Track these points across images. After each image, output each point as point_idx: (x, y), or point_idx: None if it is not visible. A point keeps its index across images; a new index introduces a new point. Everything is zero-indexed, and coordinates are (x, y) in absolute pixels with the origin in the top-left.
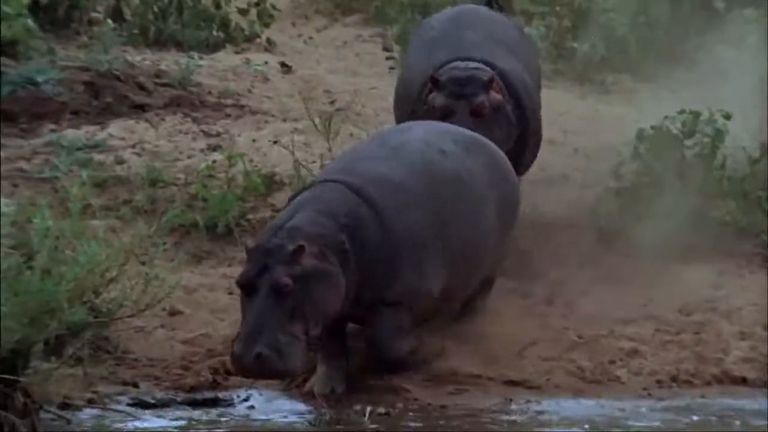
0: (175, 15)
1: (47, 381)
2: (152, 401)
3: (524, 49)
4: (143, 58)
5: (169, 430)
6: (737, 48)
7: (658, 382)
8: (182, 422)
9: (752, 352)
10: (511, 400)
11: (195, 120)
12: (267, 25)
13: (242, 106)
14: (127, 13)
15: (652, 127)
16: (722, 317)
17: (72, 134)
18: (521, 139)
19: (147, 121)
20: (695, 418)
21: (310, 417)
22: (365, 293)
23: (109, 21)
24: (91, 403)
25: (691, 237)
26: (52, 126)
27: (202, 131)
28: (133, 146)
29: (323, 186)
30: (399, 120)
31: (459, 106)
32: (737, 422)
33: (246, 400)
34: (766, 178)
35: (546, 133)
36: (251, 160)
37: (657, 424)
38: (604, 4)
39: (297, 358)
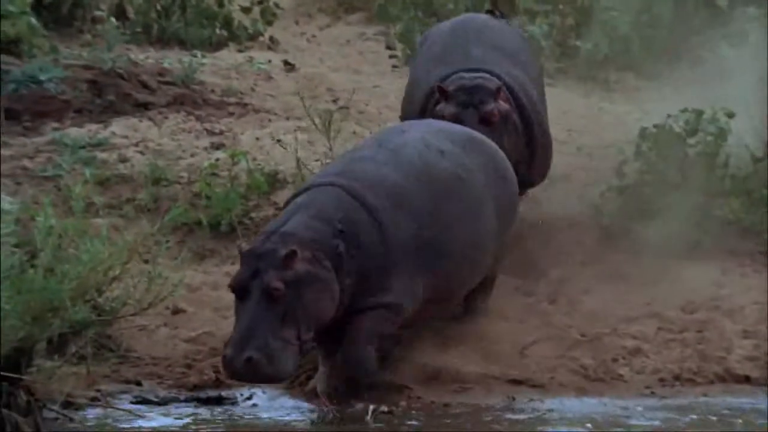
0: (178, 13)
1: (50, 379)
2: (155, 399)
3: (528, 59)
4: (146, 57)
5: (173, 428)
6: (740, 46)
7: (661, 380)
8: (185, 420)
9: (755, 351)
10: (514, 398)
11: (198, 118)
12: (270, 24)
13: (245, 105)
14: (131, 12)
15: (655, 126)
16: (725, 316)
17: (75, 132)
18: (528, 150)
19: (150, 119)
20: (694, 416)
21: (313, 415)
22: (360, 298)
23: (113, 19)
24: (94, 401)
25: (694, 235)
26: (56, 124)
27: (206, 129)
28: (137, 144)
29: (319, 190)
30: None
31: (468, 115)
32: (739, 421)
33: (249, 398)
34: None
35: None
36: (254, 159)
37: (657, 423)
38: (607, 2)
39: (288, 362)
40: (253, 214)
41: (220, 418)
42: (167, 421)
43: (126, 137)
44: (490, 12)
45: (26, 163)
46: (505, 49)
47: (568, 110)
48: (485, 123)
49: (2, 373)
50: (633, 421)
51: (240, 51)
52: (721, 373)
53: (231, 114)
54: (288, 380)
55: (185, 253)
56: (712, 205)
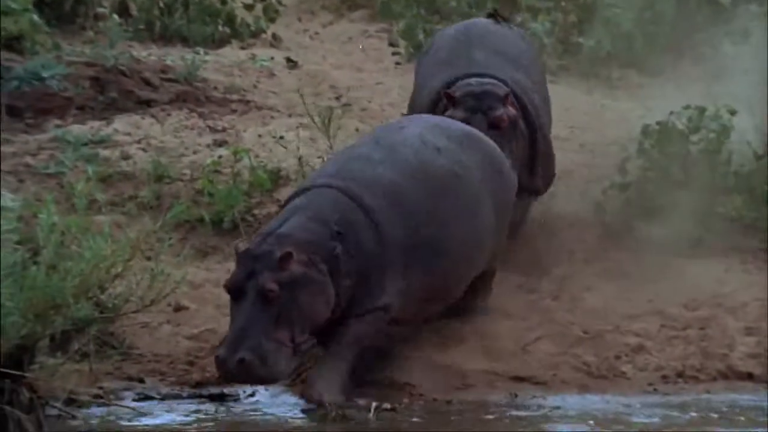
0: (180, 10)
1: (53, 376)
2: (158, 397)
3: (530, 64)
4: (149, 54)
5: (175, 425)
6: (743, 43)
7: (664, 377)
8: (188, 418)
9: (758, 348)
10: (516, 395)
11: (201, 115)
12: (273, 21)
13: (248, 102)
14: (133, 9)
15: (658, 123)
16: (728, 313)
17: (77, 129)
18: (530, 157)
19: (153, 116)
20: (696, 414)
21: (315, 413)
22: (359, 299)
23: (115, 16)
24: (97, 398)
25: (697, 232)
26: (58, 121)
27: (208, 127)
28: (139, 142)
29: (316, 192)
30: None
31: (477, 120)
32: (741, 418)
33: (252, 395)
34: None
35: (552, 128)
36: (257, 156)
37: (659, 420)
38: None
39: (281, 364)
40: (255, 212)
41: (222, 415)
42: (170, 418)
43: (128, 134)
44: (492, 16)
45: (29, 160)
46: (507, 53)
47: (570, 107)
48: (494, 128)
49: (5, 370)
50: (635, 419)
51: (243, 48)
52: (723, 370)
53: (234, 111)
54: (283, 381)
55: (188, 250)
56: (714, 202)
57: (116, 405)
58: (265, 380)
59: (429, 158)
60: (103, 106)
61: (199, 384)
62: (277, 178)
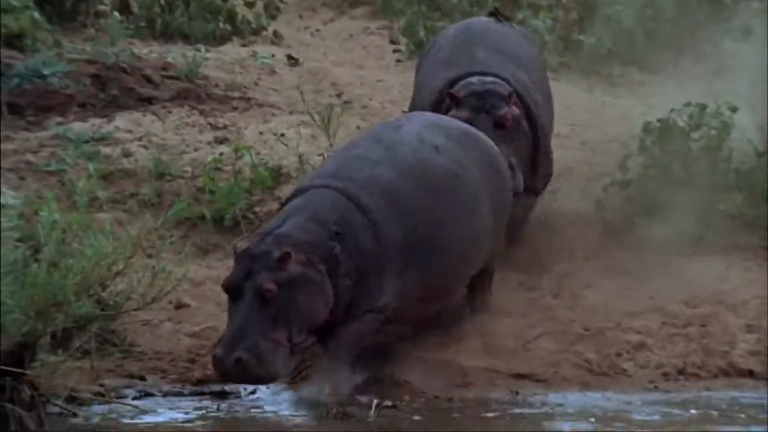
0: (181, 8)
1: (54, 374)
2: (159, 394)
3: (533, 62)
4: (150, 51)
5: (176, 423)
6: (744, 40)
7: (665, 374)
8: (189, 415)
9: (759, 345)
10: (517, 392)
11: (202, 113)
12: (274, 18)
13: (249, 99)
14: (134, 6)
15: (659, 120)
16: (729, 310)
17: (79, 127)
18: (532, 156)
19: (154, 113)
20: (697, 411)
21: (316, 410)
22: (359, 298)
23: (116, 13)
24: (98, 396)
25: (698, 230)
26: (59, 119)
27: (209, 124)
28: (140, 139)
29: (315, 192)
30: None
31: (481, 120)
32: (742, 416)
33: (253, 392)
34: None
35: (553, 126)
36: (258, 153)
37: (659, 417)
38: None
39: (278, 364)
40: (256, 209)
41: (223, 412)
42: (171, 416)
43: (129, 132)
44: (493, 15)
45: (30, 157)
46: (509, 52)
47: (571, 105)
48: (499, 127)
49: (6, 367)
50: (636, 416)
51: (243, 45)
52: (724, 368)
53: (234, 108)
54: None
55: (189, 248)
56: (715, 199)
57: (117, 402)
58: (262, 380)
59: (427, 157)
60: (104, 103)
61: (200, 381)
62: (278, 175)
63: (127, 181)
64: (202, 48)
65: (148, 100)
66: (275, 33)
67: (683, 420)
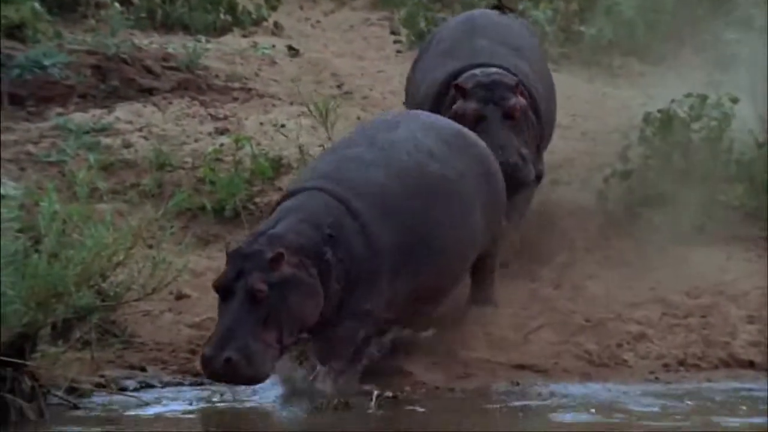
0: None
1: (54, 365)
2: (159, 385)
3: (535, 54)
4: (150, 42)
5: (177, 413)
6: (744, 31)
7: (665, 365)
8: (189, 406)
9: (759, 336)
10: (518, 383)
11: (202, 103)
12: (274, 9)
13: (249, 90)
14: None
15: (660, 111)
16: (729, 301)
17: (79, 118)
18: (536, 146)
19: (154, 104)
20: (697, 402)
21: (317, 401)
22: (348, 302)
23: (116, 4)
24: (99, 387)
25: (699, 220)
26: (60, 109)
27: (210, 115)
28: (141, 130)
29: (309, 193)
30: None
31: (490, 111)
32: (742, 407)
33: None
34: None
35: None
36: (258, 144)
37: (658, 408)
38: None
39: (267, 365)
40: (257, 200)
41: (223, 402)
42: (171, 407)
43: (130, 122)
44: (498, 7)
45: (30, 148)
46: (511, 43)
47: (572, 95)
48: (508, 118)
49: (6, 358)
50: (636, 407)
51: (244, 36)
52: (725, 359)
53: (235, 99)
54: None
55: (189, 239)
56: (716, 190)
57: (118, 393)
58: (251, 380)
59: (421, 162)
60: (104, 94)
61: (200, 372)
62: (278, 166)
63: (127, 172)
64: (203, 39)
65: (149, 91)
66: (276, 24)
67: (683, 411)
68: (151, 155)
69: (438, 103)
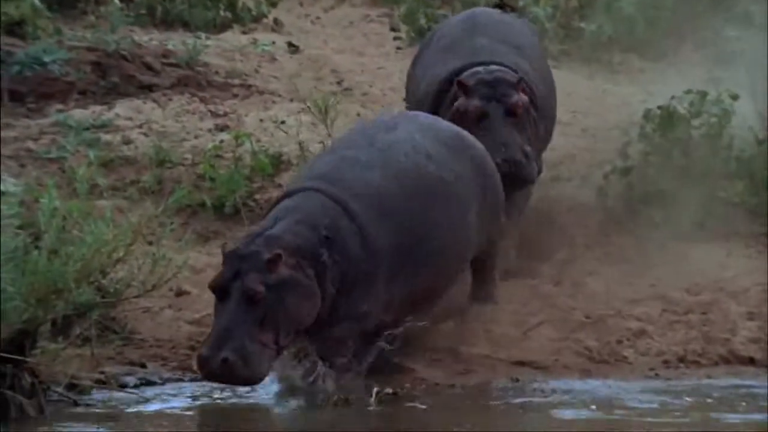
0: None
1: (54, 361)
2: (159, 381)
3: (535, 53)
4: (150, 38)
5: (176, 410)
6: (744, 28)
7: (665, 362)
8: (189, 402)
9: (759, 333)
10: (518, 380)
11: (202, 100)
12: (274, 5)
13: (249, 86)
14: None
15: (660, 107)
16: (730, 297)
17: (79, 114)
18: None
19: (154, 101)
20: (697, 399)
21: (317, 397)
22: (341, 305)
23: (116, 1)
24: (98, 383)
25: (699, 217)
26: (60, 106)
27: (210, 111)
28: (141, 126)
29: (306, 194)
30: None
31: (492, 108)
32: (742, 403)
33: None
34: None
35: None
36: (258, 140)
37: (658, 405)
38: None
39: (264, 366)
40: (257, 196)
41: (223, 399)
42: (171, 403)
43: (130, 119)
44: (499, 6)
45: (30, 144)
46: (512, 42)
47: (572, 92)
48: (511, 115)
49: (6, 355)
50: (636, 403)
51: (244, 33)
52: (725, 355)
53: (235, 96)
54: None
55: (189, 235)
56: (716, 187)
57: (118, 390)
58: (248, 381)
59: (419, 163)
60: (104, 90)
61: None
62: (278, 162)
63: (127, 169)
64: (203, 35)
65: (149, 88)
66: (276, 20)
67: (683, 407)
68: (150, 152)
69: (439, 101)
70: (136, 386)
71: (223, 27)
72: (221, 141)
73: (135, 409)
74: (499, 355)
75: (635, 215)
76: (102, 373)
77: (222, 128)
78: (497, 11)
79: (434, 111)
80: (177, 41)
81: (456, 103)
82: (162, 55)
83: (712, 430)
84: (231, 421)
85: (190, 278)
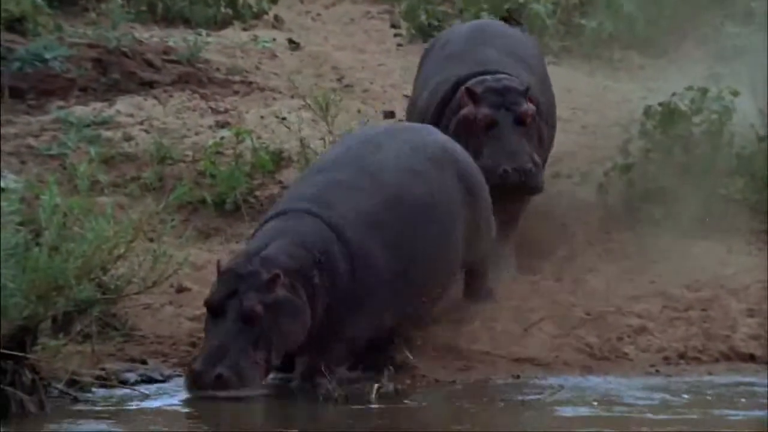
0: None
1: (55, 358)
2: (160, 378)
3: (541, 69)
4: (151, 35)
5: (177, 406)
6: (745, 24)
7: (666, 359)
8: (190, 398)
9: (760, 329)
10: (518, 376)
11: (203, 97)
12: (275, 2)
13: (250, 83)
14: None
15: (660, 104)
16: (730, 294)
17: (80, 111)
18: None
19: (155, 97)
20: (695, 395)
21: (317, 394)
22: (327, 327)
23: None
24: (99, 380)
25: (699, 214)
26: (60, 102)
27: (210, 108)
28: (141, 123)
29: (297, 215)
30: None
31: (502, 116)
32: (743, 400)
33: None
34: None
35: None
36: (259, 137)
37: (658, 401)
38: None
39: (256, 384)
40: (257, 193)
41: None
42: (172, 400)
43: (131, 116)
44: (506, 19)
45: (31, 141)
46: (520, 55)
47: (572, 89)
48: (520, 124)
49: (7, 351)
50: (637, 400)
51: (245, 29)
52: (725, 352)
53: (236, 92)
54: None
55: (190, 232)
56: (716, 183)
57: (119, 386)
58: (239, 395)
59: (408, 185)
60: (105, 87)
61: None
62: (279, 159)
63: (128, 165)
64: (203, 32)
65: (150, 84)
66: (276, 17)
67: (684, 404)
68: (151, 148)
69: (443, 107)
70: (136, 382)
71: (223, 24)
72: (222, 138)
73: (136, 406)
74: (500, 351)
75: (636, 212)
76: (103, 369)
77: (223, 125)
78: (504, 24)
79: (438, 117)
80: (178, 38)
81: (464, 111)
82: (163, 52)
83: (712, 428)
84: (231, 418)
85: (191, 275)
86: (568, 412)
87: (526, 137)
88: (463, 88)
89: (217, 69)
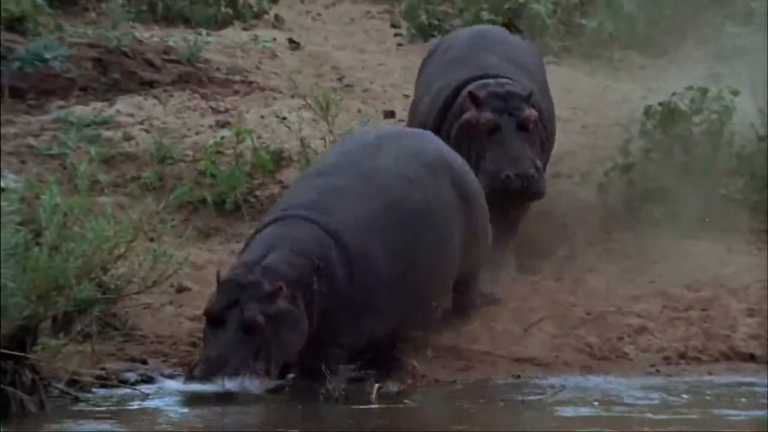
0: None
1: (55, 357)
2: (160, 378)
3: (541, 77)
4: (151, 35)
5: (178, 406)
6: (745, 24)
7: (666, 358)
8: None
9: (760, 329)
10: (519, 376)
11: (203, 96)
12: (275, 2)
13: (250, 83)
14: None
15: (660, 104)
16: (730, 294)
17: (80, 111)
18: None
19: (155, 97)
20: (695, 395)
21: (318, 394)
22: (325, 331)
23: None
24: (99, 379)
25: (699, 214)
26: (61, 102)
27: (211, 108)
28: (142, 123)
29: (294, 222)
30: None
31: (505, 121)
32: (743, 399)
33: None
34: None
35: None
36: (259, 137)
37: (658, 401)
38: None
39: (254, 392)
40: (258, 193)
41: (223, 395)
42: (172, 400)
43: (131, 115)
44: (507, 26)
45: (31, 141)
46: (521, 62)
47: (572, 89)
48: (523, 129)
49: (7, 351)
50: (637, 400)
51: (245, 29)
52: (725, 351)
53: (236, 92)
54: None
55: (190, 232)
56: (716, 183)
57: (119, 386)
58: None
59: (405, 192)
60: (105, 87)
61: None
62: (279, 158)
63: (128, 165)
64: (204, 32)
65: (150, 84)
66: (276, 17)
67: (684, 404)
68: (152, 148)
69: (445, 112)
70: (137, 382)
71: (224, 23)
72: (222, 137)
73: (136, 406)
74: (500, 351)
75: (636, 212)
76: (103, 369)
77: (223, 124)
78: (505, 31)
79: (440, 122)
80: (178, 38)
81: (466, 115)
82: (163, 52)
83: (712, 428)
84: (231, 417)
85: (191, 275)
86: (568, 412)
87: (529, 143)
88: (465, 91)
89: (218, 69)
